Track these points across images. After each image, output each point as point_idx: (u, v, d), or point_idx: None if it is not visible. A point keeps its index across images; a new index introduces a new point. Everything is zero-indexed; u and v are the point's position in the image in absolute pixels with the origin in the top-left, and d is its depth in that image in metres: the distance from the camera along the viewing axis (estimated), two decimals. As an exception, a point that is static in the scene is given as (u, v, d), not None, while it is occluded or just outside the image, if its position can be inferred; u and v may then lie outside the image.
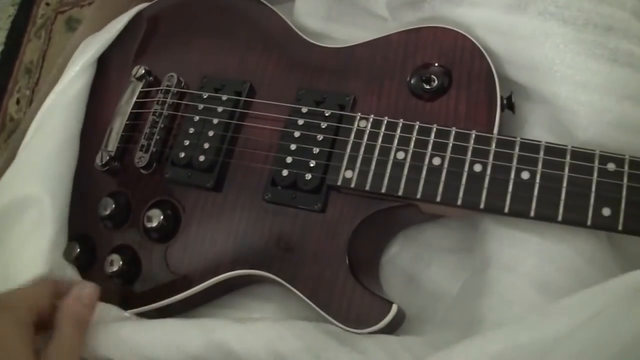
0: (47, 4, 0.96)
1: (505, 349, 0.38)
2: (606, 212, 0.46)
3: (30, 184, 0.60)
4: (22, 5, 0.96)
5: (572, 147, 0.48)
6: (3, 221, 0.59)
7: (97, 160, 0.62)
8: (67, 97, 0.65)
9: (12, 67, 0.96)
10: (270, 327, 0.50)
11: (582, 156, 0.47)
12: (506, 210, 0.48)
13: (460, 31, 0.55)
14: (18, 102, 0.96)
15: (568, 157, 0.48)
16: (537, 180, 0.48)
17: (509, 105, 0.53)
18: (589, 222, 0.46)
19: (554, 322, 0.38)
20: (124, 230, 0.60)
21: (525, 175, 0.48)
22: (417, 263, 0.56)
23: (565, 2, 0.50)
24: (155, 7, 0.69)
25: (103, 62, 0.68)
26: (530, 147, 0.49)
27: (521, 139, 0.49)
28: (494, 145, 0.50)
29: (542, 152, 0.48)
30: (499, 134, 0.51)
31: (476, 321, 0.47)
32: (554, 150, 0.48)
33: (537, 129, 0.53)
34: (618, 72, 0.48)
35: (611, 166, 0.47)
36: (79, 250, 0.60)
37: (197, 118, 0.59)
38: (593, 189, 0.46)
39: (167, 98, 0.61)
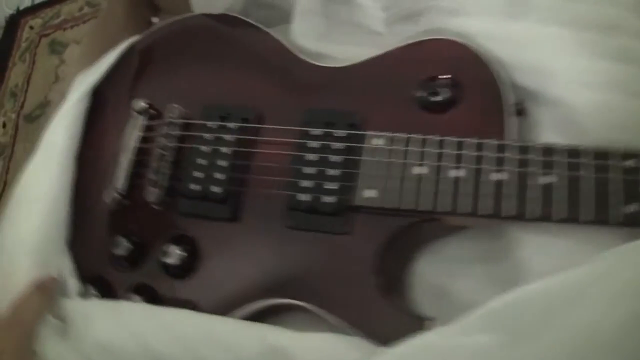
0: (31, 28, 0.97)
1: None
2: (631, 208, 0.46)
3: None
4: (6, 29, 0.96)
5: (588, 147, 0.49)
6: None
7: (106, 199, 0.60)
8: (60, 129, 0.64)
9: (-3, 91, 0.97)
10: (326, 338, 0.50)
11: (600, 155, 0.48)
12: (530, 215, 0.48)
13: (461, 41, 0.55)
14: (4, 125, 0.96)
15: (586, 157, 0.48)
16: (558, 182, 0.48)
17: (518, 110, 0.54)
18: (614, 220, 0.46)
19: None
20: (140, 269, 0.59)
21: (546, 179, 0.48)
22: (444, 277, 0.56)
23: (563, 5, 0.51)
24: (149, 39, 0.68)
25: (99, 98, 0.66)
26: (548, 150, 0.49)
27: (537, 143, 0.50)
28: (511, 152, 0.50)
29: (560, 155, 0.49)
30: (513, 140, 0.52)
31: None
32: (572, 152, 0.48)
33: (549, 132, 0.54)
34: (623, 69, 0.49)
35: (630, 162, 0.47)
36: (94, 292, 0.59)
37: (205, 148, 0.59)
38: (615, 186, 0.47)
39: (172, 130, 0.60)
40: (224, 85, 0.62)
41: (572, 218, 0.47)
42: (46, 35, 0.95)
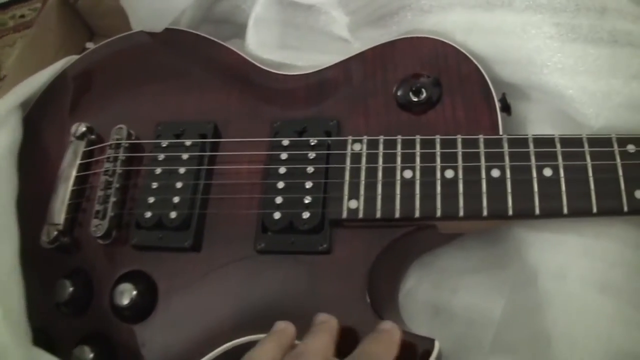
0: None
1: None
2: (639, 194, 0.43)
3: None
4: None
5: (587, 135, 0.45)
6: None
7: (43, 237, 0.51)
8: None
9: None
10: None
11: (600, 142, 0.45)
12: (537, 211, 0.44)
13: (439, 38, 0.51)
14: None
15: (586, 145, 0.45)
16: (562, 174, 0.44)
17: (504, 107, 0.50)
18: (625, 208, 0.43)
19: None
20: (87, 315, 0.50)
21: (547, 171, 0.44)
22: (440, 292, 0.50)
23: None
24: (87, 60, 0.60)
25: (33, 125, 0.58)
26: (545, 141, 0.46)
27: (533, 135, 0.46)
28: (506, 146, 0.46)
29: (558, 145, 0.45)
30: (507, 134, 0.47)
31: (542, 337, 0.42)
32: (570, 141, 0.45)
33: (540, 126, 0.50)
34: (620, 52, 0.47)
35: (631, 147, 0.44)
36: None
37: (159, 170, 0.51)
38: (620, 173, 0.43)
39: (118, 153, 0.52)
40: (178, 102, 0.55)
41: (583, 209, 0.43)
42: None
